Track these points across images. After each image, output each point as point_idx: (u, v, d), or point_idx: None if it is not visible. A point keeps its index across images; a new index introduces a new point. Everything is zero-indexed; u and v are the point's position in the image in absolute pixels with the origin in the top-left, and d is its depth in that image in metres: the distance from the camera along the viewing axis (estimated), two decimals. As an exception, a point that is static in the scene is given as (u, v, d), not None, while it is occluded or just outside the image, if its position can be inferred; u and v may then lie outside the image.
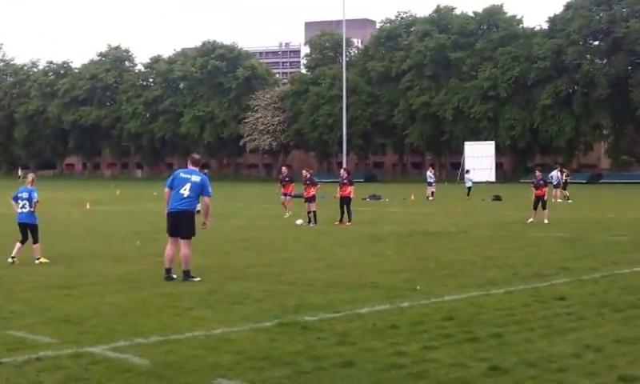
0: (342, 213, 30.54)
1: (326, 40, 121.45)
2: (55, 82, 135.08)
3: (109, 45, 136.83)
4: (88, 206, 42.48)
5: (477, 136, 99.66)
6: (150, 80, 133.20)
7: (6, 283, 15.23)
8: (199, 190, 15.64)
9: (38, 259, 18.25)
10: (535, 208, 30.22)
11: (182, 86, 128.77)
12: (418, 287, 14.22)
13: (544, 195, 30.51)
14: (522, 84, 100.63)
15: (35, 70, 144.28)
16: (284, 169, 39.79)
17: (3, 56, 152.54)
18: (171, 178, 15.95)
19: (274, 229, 28.23)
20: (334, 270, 16.83)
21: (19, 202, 18.58)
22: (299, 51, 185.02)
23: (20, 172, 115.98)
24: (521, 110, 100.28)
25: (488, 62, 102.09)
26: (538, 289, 14.03)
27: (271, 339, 10.15)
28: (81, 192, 67.88)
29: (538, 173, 32.23)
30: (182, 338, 10.24)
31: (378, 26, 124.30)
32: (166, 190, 15.81)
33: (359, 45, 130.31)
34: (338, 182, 32.13)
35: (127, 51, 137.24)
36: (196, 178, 15.64)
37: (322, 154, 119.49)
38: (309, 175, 33.23)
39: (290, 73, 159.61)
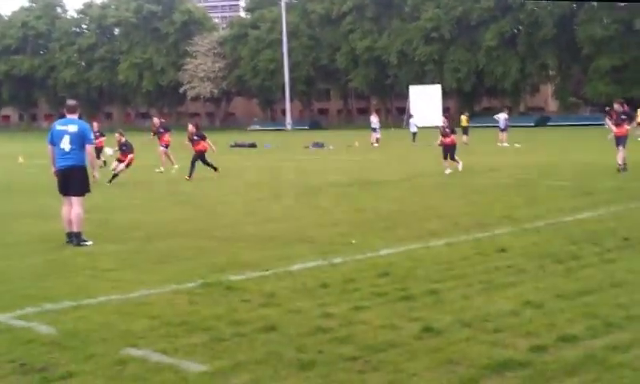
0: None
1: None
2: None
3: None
4: (20, 160, 41.15)
5: (422, 80, 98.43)
6: (84, 27, 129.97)
7: None
8: (81, 140, 14.13)
9: None
10: (445, 157, 28.71)
11: (117, 32, 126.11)
12: (354, 241, 13.63)
13: (454, 144, 29.02)
14: (465, 25, 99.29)
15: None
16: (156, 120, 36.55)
17: None
18: (50, 132, 14.45)
19: (210, 181, 27.39)
20: (269, 224, 16.16)
21: None
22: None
23: None
24: (465, 52, 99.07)
25: (431, 2, 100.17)
26: (480, 240, 13.49)
27: (191, 302, 9.50)
28: (16, 144, 66.08)
29: (444, 119, 30.77)
30: (96, 302, 9.55)
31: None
32: (49, 147, 14.39)
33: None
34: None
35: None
36: (73, 128, 14.13)
37: (265, 101, 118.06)
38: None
39: (230, 17, 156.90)
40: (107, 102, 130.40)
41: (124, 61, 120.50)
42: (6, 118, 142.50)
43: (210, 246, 13.62)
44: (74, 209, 14.05)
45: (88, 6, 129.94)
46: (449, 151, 28.63)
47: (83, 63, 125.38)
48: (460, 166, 28.29)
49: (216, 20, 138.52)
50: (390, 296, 9.56)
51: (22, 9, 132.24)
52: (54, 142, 14.20)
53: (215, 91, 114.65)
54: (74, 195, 14.15)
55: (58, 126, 14.32)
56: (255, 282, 10.53)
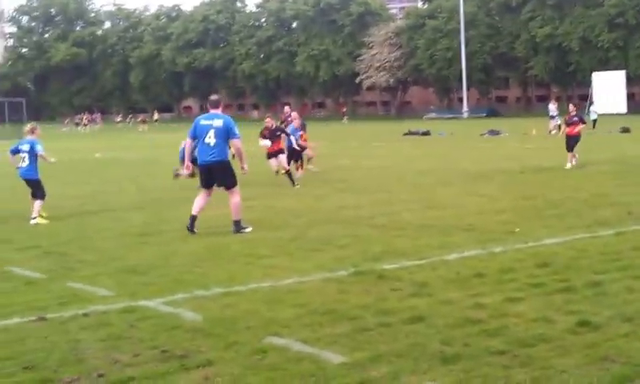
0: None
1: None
2: (167, 26, 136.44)
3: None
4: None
5: (605, 66, 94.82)
6: (262, 20, 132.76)
7: (86, 231, 14.84)
8: (225, 135, 13.99)
9: (34, 219, 16.12)
10: (569, 149, 25.41)
11: (294, 25, 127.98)
12: (517, 229, 13.09)
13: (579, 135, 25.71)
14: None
15: (147, 13, 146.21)
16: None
17: (114, 1, 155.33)
18: (193, 126, 14.32)
19: (378, 169, 27.20)
20: (430, 212, 15.82)
21: (20, 154, 16.86)
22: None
23: (119, 117, 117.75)
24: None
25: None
26: (655, 230, 12.64)
27: (341, 290, 9.29)
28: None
29: (572, 107, 26.77)
30: (245, 289, 9.49)
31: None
32: (188, 141, 14.39)
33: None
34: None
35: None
36: (218, 123, 13.99)
37: (442, 89, 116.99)
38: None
39: (406, 7, 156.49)
40: (284, 92, 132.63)
41: (301, 52, 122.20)
42: (188, 108, 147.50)
43: (366, 233, 13.39)
44: (232, 198, 14.08)
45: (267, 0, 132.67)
46: (573, 142, 25.46)
47: (262, 55, 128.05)
48: (573, 162, 25.03)
49: (393, 10, 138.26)
50: (547, 287, 9.05)
51: (203, 3, 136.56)
52: (197, 136, 14.12)
53: (391, 80, 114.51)
54: (227, 188, 14.22)
55: (203, 121, 14.19)
56: (408, 270, 10.21)
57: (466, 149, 37.51)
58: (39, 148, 16.86)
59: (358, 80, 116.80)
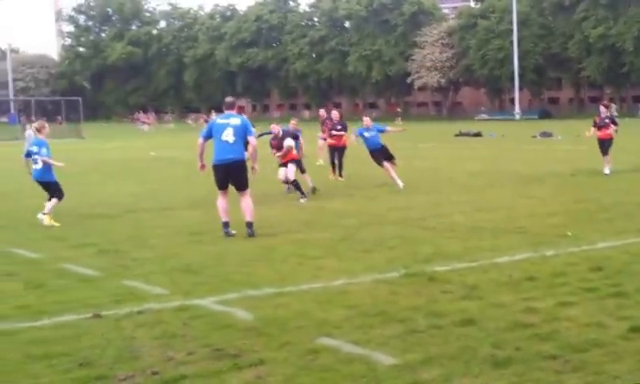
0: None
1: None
2: (222, 25, 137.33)
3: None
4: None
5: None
6: (315, 20, 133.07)
7: (140, 229, 15.04)
8: (243, 132, 13.87)
9: (44, 215, 15.80)
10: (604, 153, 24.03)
11: (347, 24, 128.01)
12: (570, 233, 13.01)
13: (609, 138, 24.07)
14: None
15: (202, 13, 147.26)
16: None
17: (169, 0, 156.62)
18: (207, 128, 14.26)
19: (429, 169, 27.15)
20: (480, 214, 15.77)
21: (32, 157, 16.26)
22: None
23: (191, 119, 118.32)
24: None
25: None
26: None
27: (392, 292, 9.32)
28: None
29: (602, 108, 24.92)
30: (297, 290, 9.57)
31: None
32: (200, 140, 14.13)
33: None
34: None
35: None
36: (236, 121, 13.90)
37: (493, 90, 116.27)
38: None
39: (459, 6, 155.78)
40: (336, 92, 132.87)
41: (353, 52, 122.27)
42: (240, 108, 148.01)
43: (416, 235, 13.40)
44: (244, 200, 14.00)
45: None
46: (605, 145, 23.96)
47: (314, 55, 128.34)
48: (607, 169, 23.69)
49: (445, 10, 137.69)
50: (600, 292, 8.99)
51: (257, 3, 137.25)
52: (213, 135, 13.92)
53: (442, 81, 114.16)
54: (240, 189, 14.10)
55: (219, 120, 14.11)
56: (459, 273, 10.21)
57: (517, 151, 37.27)
58: (44, 152, 16.13)
59: (409, 80, 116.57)
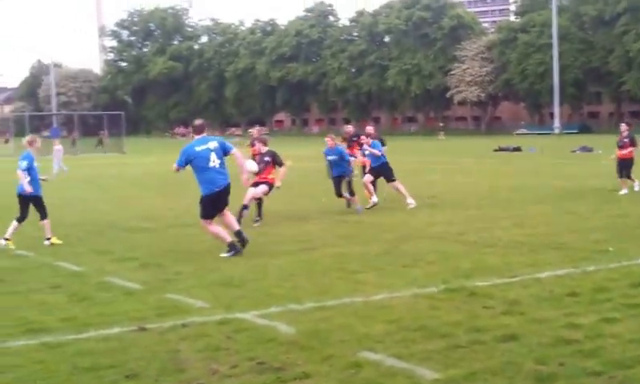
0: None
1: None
2: (262, 40, 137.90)
3: (314, 0, 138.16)
4: (289, 163, 42.53)
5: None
6: (355, 34, 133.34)
7: (181, 243, 15.20)
8: (223, 152, 13.69)
9: (48, 240, 15.39)
10: (620, 175, 23.05)
11: (386, 39, 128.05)
12: (611, 248, 12.94)
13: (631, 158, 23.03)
14: None
15: (242, 28, 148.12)
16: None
17: (211, 15, 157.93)
18: (183, 156, 13.71)
19: (468, 184, 27.10)
20: (520, 229, 15.72)
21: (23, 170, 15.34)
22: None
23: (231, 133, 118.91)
24: None
25: None
26: None
27: (432, 307, 9.35)
28: (287, 148, 68.54)
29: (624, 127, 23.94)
30: (338, 304, 9.63)
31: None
32: (175, 167, 13.75)
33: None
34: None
35: (331, 6, 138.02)
36: (214, 144, 13.66)
37: (533, 104, 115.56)
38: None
39: (499, 21, 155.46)
40: (375, 106, 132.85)
41: (393, 67, 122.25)
42: (280, 122, 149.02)
43: (456, 249, 13.42)
44: (228, 214, 13.94)
45: (360, 14, 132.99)
46: (624, 166, 22.93)
47: (353, 69, 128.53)
48: (637, 185, 22.99)
49: (485, 24, 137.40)
50: (642, 308, 8.95)
51: (298, 18, 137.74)
52: (196, 164, 13.60)
53: (482, 95, 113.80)
54: (224, 209, 13.93)
55: (198, 147, 13.63)
56: (499, 288, 10.21)
57: (556, 165, 37.07)
58: (22, 165, 15.26)
59: (448, 94, 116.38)
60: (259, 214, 18.06)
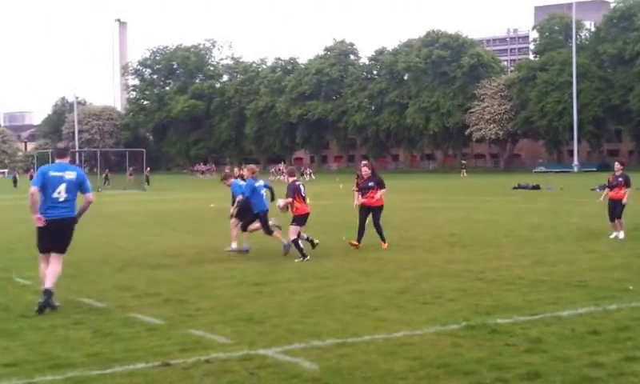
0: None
1: (555, 23, 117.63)
2: (282, 78, 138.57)
3: (334, 39, 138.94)
4: (307, 201, 42.52)
5: None
6: (375, 73, 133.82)
7: (203, 280, 15.25)
8: (77, 189, 12.50)
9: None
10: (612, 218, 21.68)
11: (406, 77, 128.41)
12: (631, 287, 12.96)
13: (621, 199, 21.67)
14: None
15: (263, 66, 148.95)
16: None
17: (233, 54, 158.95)
18: (39, 175, 12.44)
19: (487, 222, 27.08)
20: (540, 267, 15.74)
21: None
22: (527, 37, 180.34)
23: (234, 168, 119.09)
24: None
25: None
26: None
27: (455, 344, 9.38)
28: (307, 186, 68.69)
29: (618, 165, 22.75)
30: (360, 341, 9.68)
31: (611, 6, 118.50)
32: (33, 189, 12.27)
33: (591, 27, 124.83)
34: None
35: (352, 45, 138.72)
36: (71, 175, 12.43)
37: (552, 142, 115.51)
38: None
39: (518, 59, 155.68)
40: (394, 143, 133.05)
41: (412, 104, 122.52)
42: (299, 160, 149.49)
43: (476, 287, 13.44)
44: (57, 265, 12.44)
45: (379, 52, 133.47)
46: (616, 208, 21.48)
47: (373, 107, 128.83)
48: (622, 234, 21.21)
49: (504, 63, 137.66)
50: (665, 348, 8.95)
51: (318, 57, 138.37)
52: (45, 187, 12.32)
53: (500, 133, 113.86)
54: (57, 252, 12.49)
55: (52, 172, 12.43)
56: (521, 326, 10.25)
57: (576, 204, 36.95)
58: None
59: (467, 132, 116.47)
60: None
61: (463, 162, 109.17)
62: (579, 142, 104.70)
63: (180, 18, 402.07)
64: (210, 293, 13.59)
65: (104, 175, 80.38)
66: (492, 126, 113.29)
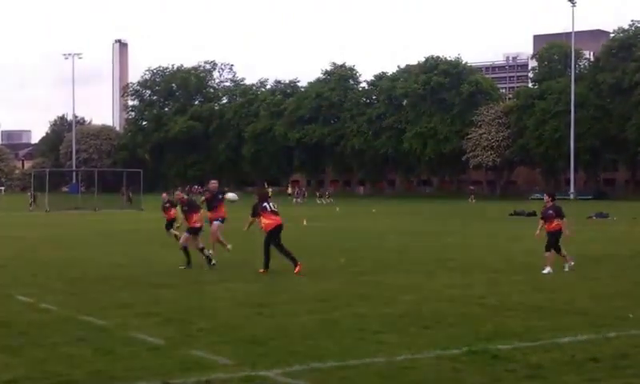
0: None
1: (554, 52, 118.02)
2: (282, 102, 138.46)
3: (334, 63, 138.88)
4: (304, 223, 42.71)
5: None
6: (374, 97, 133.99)
7: (205, 300, 15.30)
8: None
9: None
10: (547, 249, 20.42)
11: (404, 102, 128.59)
12: (631, 315, 13.02)
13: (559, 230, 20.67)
14: None
15: (263, 89, 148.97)
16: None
17: (233, 77, 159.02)
18: None
19: (485, 248, 27.16)
20: (540, 294, 15.78)
21: None
22: (526, 65, 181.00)
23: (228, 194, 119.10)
24: None
25: None
26: None
27: (455, 369, 9.43)
28: (301, 209, 68.69)
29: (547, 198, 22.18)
30: (360, 363, 9.73)
31: (611, 36, 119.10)
32: None
33: (590, 57, 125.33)
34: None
35: (352, 69, 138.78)
36: None
37: (548, 170, 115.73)
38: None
39: (517, 87, 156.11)
40: (391, 168, 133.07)
41: (409, 130, 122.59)
42: (295, 182, 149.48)
43: (477, 312, 13.50)
44: None
45: (379, 77, 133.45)
46: (551, 240, 20.44)
47: (371, 132, 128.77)
48: (567, 266, 20.29)
49: (502, 90, 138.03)
50: (664, 375, 9.00)
51: (318, 80, 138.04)
52: None
53: (497, 160, 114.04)
54: None
55: None
56: (521, 351, 10.30)
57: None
58: None
59: (464, 158, 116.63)
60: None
61: (471, 187, 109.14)
62: (575, 170, 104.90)
63: (181, 38, 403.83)
64: (211, 313, 13.62)
65: (125, 195, 79.59)
66: (489, 152, 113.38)
